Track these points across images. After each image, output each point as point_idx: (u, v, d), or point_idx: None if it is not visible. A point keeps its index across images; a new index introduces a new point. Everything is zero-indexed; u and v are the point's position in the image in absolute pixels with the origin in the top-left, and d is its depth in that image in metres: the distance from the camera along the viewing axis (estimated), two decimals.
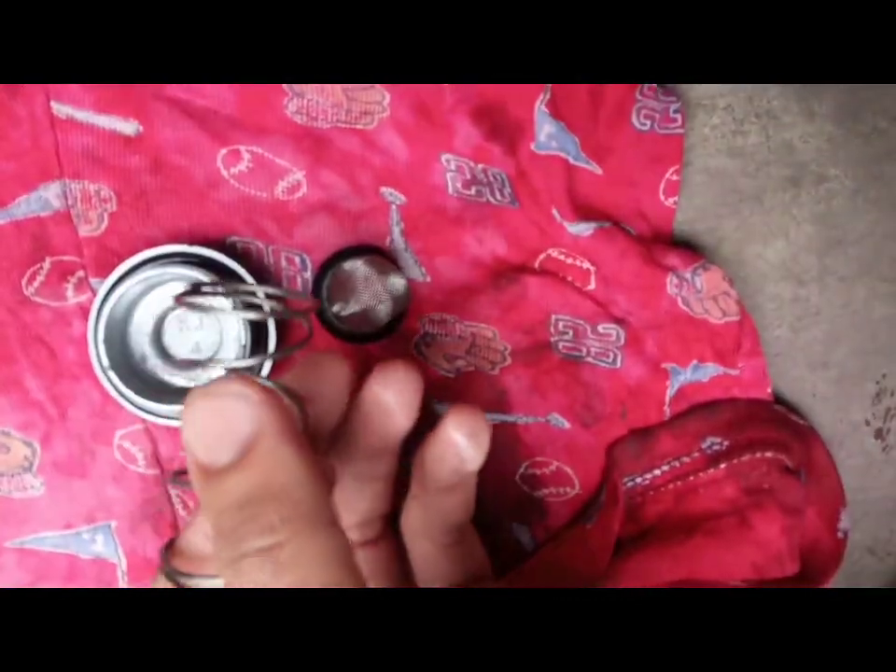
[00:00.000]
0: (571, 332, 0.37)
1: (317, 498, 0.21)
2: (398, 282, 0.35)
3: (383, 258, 0.35)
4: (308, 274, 0.36)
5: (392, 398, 0.29)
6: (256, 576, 0.20)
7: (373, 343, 0.36)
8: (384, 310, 0.35)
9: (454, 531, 0.33)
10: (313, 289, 0.36)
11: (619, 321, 0.37)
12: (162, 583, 0.25)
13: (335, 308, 0.35)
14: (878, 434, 0.42)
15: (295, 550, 0.20)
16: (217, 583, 0.23)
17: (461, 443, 0.30)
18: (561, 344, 0.37)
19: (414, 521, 0.33)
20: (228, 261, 0.33)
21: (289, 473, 0.21)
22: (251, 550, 0.21)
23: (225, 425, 0.21)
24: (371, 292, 0.35)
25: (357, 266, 0.35)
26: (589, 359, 0.37)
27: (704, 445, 0.37)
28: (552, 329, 0.37)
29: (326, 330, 0.36)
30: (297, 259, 0.36)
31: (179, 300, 0.26)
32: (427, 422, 0.31)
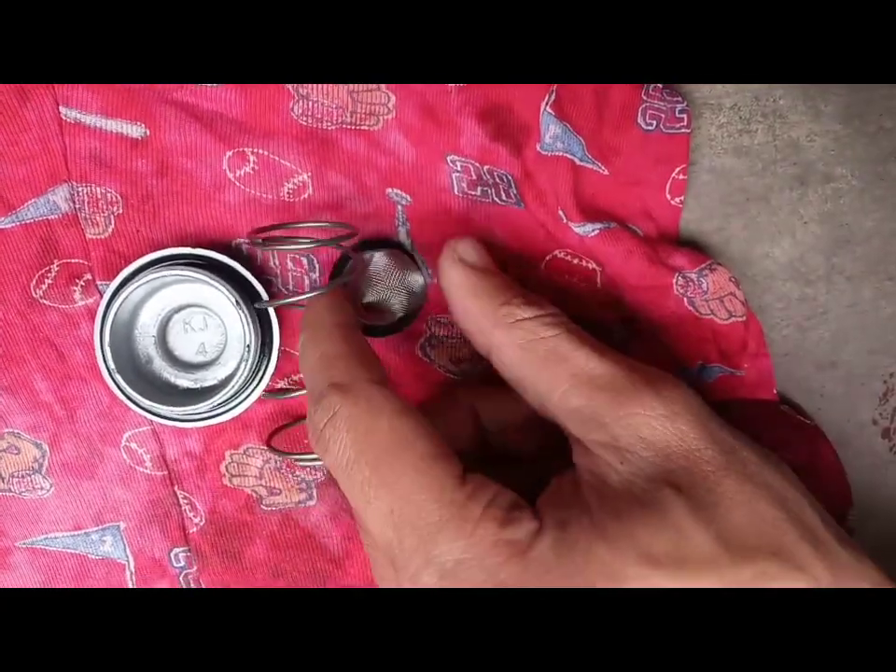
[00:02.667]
0: None
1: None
2: (416, 279, 0.35)
3: (404, 253, 0.36)
4: (316, 275, 0.36)
5: None
6: (530, 328, 0.30)
7: (381, 336, 0.36)
8: (397, 304, 0.35)
9: None
10: (330, 276, 0.36)
11: (625, 321, 0.37)
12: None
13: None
14: (885, 434, 0.42)
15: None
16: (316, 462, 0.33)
17: None
18: None
19: None
20: (232, 263, 0.33)
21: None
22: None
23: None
24: (388, 284, 0.35)
25: (377, 257, 0.35)
26: None
27: None
28: None
29: None
30: (304, 261, 0.36)
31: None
32: None
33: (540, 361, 0.29)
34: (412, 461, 0.26)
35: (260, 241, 0.32)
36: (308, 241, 0.32)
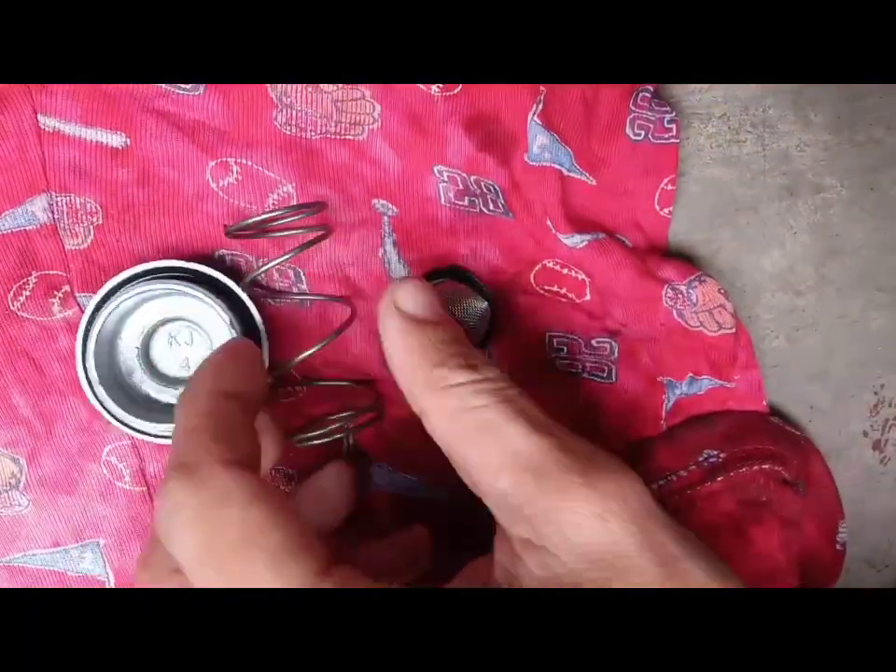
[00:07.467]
0: (566, 349, 0.37)
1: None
2: (477, 305, 0.32)
3: (456, 283, 0.32)
4: (304, 286, 0.35)
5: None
6: (461, 396, 0.26)
7: None
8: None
9: None
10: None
11: (613, 334, 0.37)
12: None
13: None
14: (876, 445, 0.41)
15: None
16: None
17: None
18: (557, 362, 0.37)
19: None
20: (218, 275, 0.32)
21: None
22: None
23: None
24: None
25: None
26: (585, 375, 0.37)
27: (701, 458, 0.37)
28: (547, 348, 0.37)
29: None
30: (290, 273, 0.35)
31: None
32: None
33: (470, 434, 0.26)
34: (263, 558, 0.22)
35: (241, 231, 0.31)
36: (289, 253, 0.31)
